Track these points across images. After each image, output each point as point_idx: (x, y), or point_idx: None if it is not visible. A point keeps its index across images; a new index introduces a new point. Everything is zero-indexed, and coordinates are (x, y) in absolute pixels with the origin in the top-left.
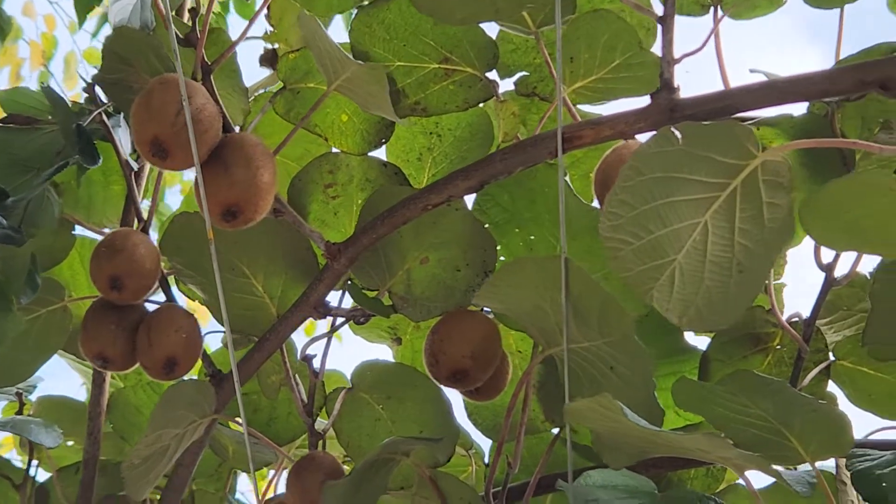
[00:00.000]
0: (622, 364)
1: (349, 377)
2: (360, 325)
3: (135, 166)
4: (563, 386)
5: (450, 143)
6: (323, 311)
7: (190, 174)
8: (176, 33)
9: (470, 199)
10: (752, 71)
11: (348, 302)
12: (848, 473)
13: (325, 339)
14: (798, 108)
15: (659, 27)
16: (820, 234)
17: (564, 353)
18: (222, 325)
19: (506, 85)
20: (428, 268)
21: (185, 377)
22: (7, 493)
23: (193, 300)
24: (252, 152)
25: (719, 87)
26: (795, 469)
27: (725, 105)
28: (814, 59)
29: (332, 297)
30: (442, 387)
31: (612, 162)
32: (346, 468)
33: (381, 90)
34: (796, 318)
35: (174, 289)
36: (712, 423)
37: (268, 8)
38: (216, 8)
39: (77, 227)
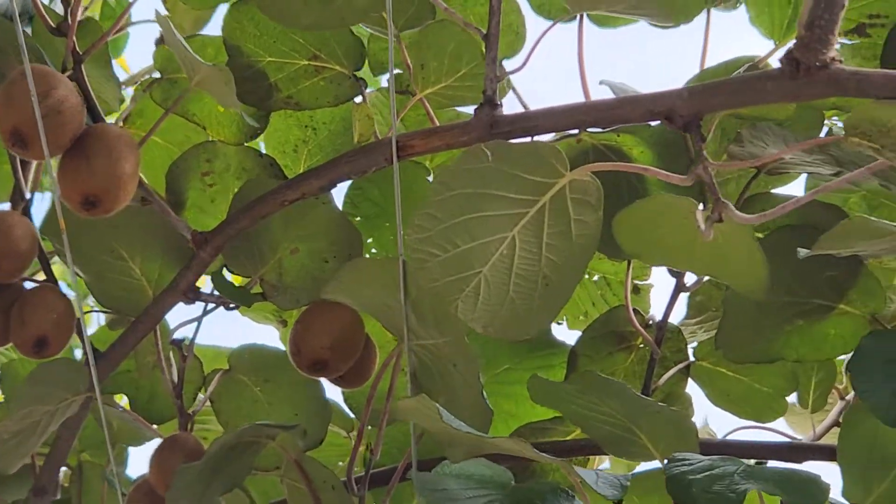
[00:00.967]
0: (460, 363)
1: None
2: (230, 310)
3: None
4: (430, 377)
5: (325, 136)
6: (193, 296)
7: None
8: (49, 23)
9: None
10: (600, 83)
11: None
12: None
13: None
14: None
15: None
16: (632, 249)
17: (405, 350)
18: (101, 305)
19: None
20: (298, 258)
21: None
22: None
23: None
24: (114, 143)
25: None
26: None
27: (534, 125)
28: None
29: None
30: None
31: None
32: None
33: (229, 91)
34: (651, 321)
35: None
36: (570, 419)
37: None
38: None
39: None
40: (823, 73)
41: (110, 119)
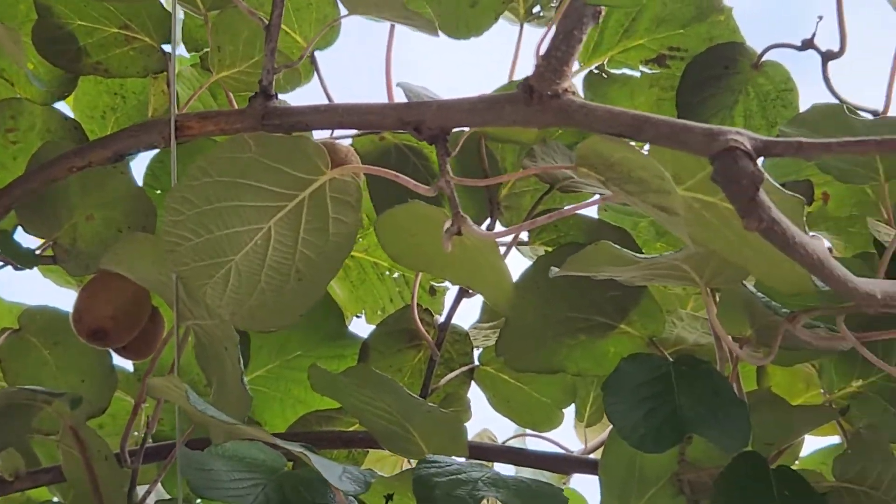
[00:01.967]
0: (230, 346)
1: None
2: (18, 270)
3: None
4: (206, 357)
5: (133, 105)
6: None
7: None
8: None
9: None
10: (397, 85)
11: None
12: None
13: None
14: None
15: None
16: (392, 252)
17: (175, 329)
18: None
19: None
20: (93, 225)
21: None
22: None
23: None
24: None
25: None
26: None
27: (300, 121)
28: None
29: None
30: None
31: None
32: None
33: (18, 51)
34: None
35: None
36: (349, 411)
37: None
38: None
39: None
40: (555, 102)
41: None
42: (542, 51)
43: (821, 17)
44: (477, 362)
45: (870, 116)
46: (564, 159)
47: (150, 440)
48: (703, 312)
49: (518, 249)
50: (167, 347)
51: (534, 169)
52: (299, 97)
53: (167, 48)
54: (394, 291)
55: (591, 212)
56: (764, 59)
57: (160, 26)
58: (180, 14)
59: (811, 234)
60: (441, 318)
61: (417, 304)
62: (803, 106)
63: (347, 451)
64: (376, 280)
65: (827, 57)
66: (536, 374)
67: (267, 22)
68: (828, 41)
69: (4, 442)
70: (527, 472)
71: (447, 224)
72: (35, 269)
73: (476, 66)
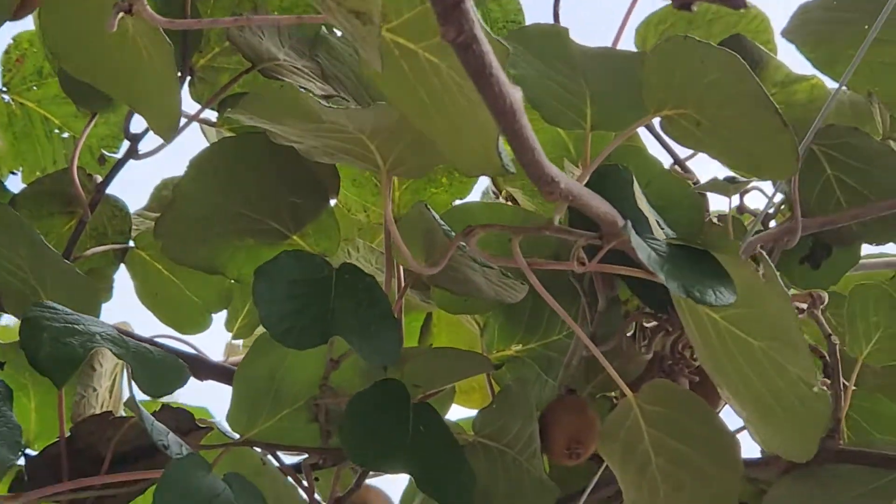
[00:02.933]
0: None
1: None
2: None
3: None
4: None
5: None
6: None
7: None
8: None
9: None
10: None
11: None
12: None
13: None
14: None
15: None
16: (56, 48)
17: None
18: None
19: None
20: None
21: None
22: None
23: None
24: None
25: None
26: None
27: None
28: None
29: None
30: None
31: None
32: None
33: None
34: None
35: None
36: None
37: None
38: None
39: None
40: None
41: None
42: None
43: None
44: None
45: None
46: (273, 36)
47: None
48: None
49: (203, 131)
50: None
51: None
52: None
53: None
54: (59, 153)
55: None
56: None
57: None
58: None
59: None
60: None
61: (80, 168)
62: None
63: None
64: (43, 137)
65: None
66: (193, 269)
67: None
68: None
69: None
70: None
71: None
72: None
73: None
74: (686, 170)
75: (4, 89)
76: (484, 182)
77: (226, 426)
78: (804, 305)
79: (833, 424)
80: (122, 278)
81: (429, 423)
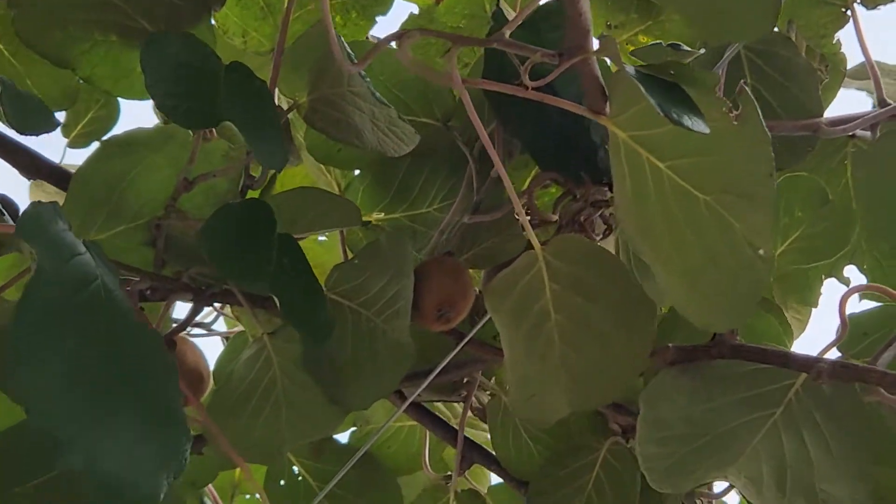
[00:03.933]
0: None
1: None
2: None
3: None
4: None
5: None
6: None
7: None
8: None
9: None
10: None
11: None
12: None
13: None
14: None
15: None
16: None
17: None
18: None
19: None
20: None
21: None
22: None
23: None
24: None
25: None
26: None
27: None
28: None
29: None
30: None
31: None
32: None
33: None
34: None
35: None
36: None
37: None
38: None
39: None
40: None
41: None
42: None
43: None
44: None
45: None
46: None
47: None
48: None
49: None
50: None
51: None
52: None
53: None
54: None
55: None
56: None
57: None
58: None
59: None
60: None
61: None
62: None
63: None
64: None
65: None
66: (42, 57)
67: None
68: None
69: None
70: None
71: None
72: None
73: None
74: None
75: None
76: None
77: None
78: None
79: None
80: None
81: (294, 258)
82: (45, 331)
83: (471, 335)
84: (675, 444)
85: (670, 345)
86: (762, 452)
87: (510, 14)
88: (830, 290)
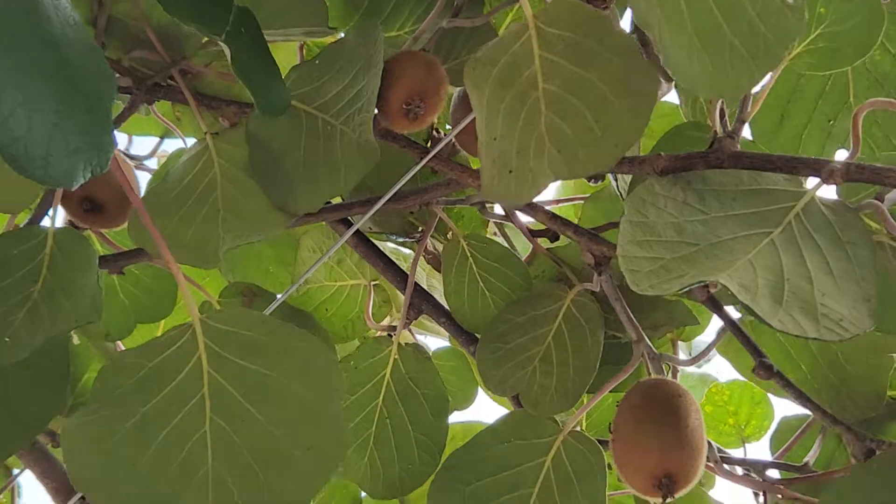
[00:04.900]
0: None
1: None
2: None
3: None
4: None
5: None
6: None
7: None
8: None
9: None
10: None
11: None
12: None
13: None
14: None
15: None
16: None
17: None
18: None
19: None
20: None
21: None
22: None
23: None
24: None
25: None
26: None
27: None
28: None
29: None
30: None
31: None
32: None
33: None
34: None
35: None
36: None
37: None
38: None
39: None
40: None
41: None
42: None
43: None
44: None
45: None
46: None
47: None
48: None
49: None
50: None
51: None
52: None
53: None
54: None
55: None
56: None
57: None
58: None
59: None
60: None
61: None
62: None
63: None
64: None
65: None
66: None
67: None
68: None
69: None
70: None
71: None
72: None
73: None
74: None
75: None
76: None
77: None
78: None
79: (736, 125)
80: None
81: (252, 32)
82: None
83: (438, 148)
84: (661, 250)
85: (662, 153)
86: (757, 266)
87: None
88: None
